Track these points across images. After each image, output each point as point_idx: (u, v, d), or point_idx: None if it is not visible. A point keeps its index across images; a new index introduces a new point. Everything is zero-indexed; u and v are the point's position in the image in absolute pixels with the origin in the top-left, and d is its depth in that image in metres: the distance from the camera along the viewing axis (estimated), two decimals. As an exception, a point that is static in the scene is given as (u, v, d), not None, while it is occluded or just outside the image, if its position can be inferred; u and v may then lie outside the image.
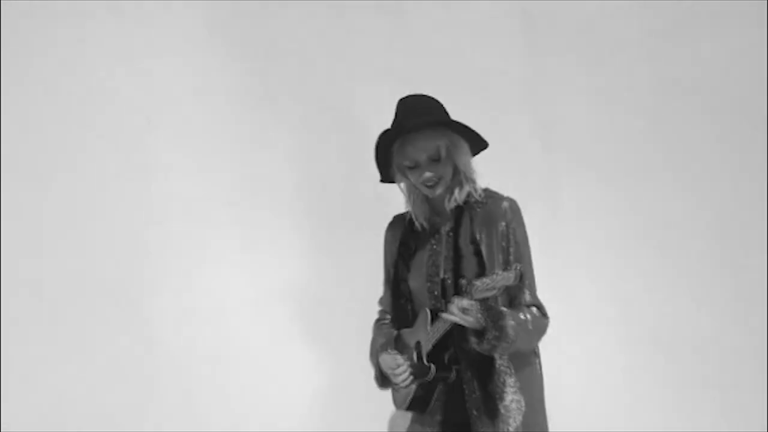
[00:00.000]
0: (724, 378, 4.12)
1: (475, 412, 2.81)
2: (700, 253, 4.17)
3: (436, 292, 2.87)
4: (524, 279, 2.78)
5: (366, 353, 3.12)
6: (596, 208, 4.15)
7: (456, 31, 4.10)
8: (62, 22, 3.63)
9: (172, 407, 3.63)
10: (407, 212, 3.02)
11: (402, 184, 2.94)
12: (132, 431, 3.55)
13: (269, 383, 3.74)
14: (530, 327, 2.80)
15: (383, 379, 2.98)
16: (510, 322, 2.72)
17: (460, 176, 2.85)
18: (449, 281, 2.83)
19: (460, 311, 2.66)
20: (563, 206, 4.15)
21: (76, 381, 3.53)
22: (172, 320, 3.68)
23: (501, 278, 2.59)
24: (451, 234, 2.88)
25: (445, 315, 2.69)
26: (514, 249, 2.82)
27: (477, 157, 2.94)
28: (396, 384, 2.90)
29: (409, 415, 3.02)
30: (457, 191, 2.85)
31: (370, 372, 3.08)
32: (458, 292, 2.71)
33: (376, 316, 3.18)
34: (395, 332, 2.99)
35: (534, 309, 2.85)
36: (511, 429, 2.81)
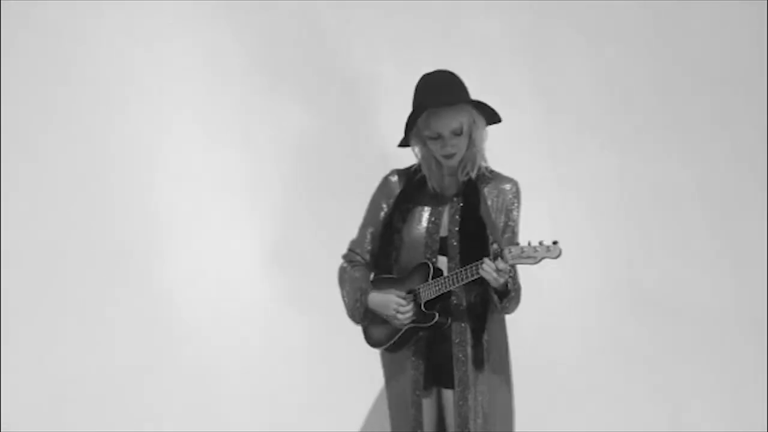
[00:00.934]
0: (723, 344, 4.20)
1: (461, 356, 3.04)
2: (700, 218, 4.24)
3: (433, 248, 3.06)
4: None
5: None
6: (596, 174, 4.21)
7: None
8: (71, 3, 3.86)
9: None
10: (412, 167, 3.18)
11: (417, 149, 3.12)
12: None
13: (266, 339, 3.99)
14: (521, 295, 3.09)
15: (365, 315, 3.12)
16: (521, 289, 3.05)
17: (474, 149, 3.07)
18: (455, 242, 3.05)
19: (495, 272, 2.87)
20: (565, 172, 4.21)
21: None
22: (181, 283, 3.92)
23: (543, 251, 2.83)
24: (456, 199, 3.10)
25: (481, 270, 2.90)
26: (514, 225, 3.10)
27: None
28: (397, 322, 3.05)
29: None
30: (470, 164, 3.09)
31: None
32: (482, 254, 2.94)
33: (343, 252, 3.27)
34: (371, 275, 3.17)
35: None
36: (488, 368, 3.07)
